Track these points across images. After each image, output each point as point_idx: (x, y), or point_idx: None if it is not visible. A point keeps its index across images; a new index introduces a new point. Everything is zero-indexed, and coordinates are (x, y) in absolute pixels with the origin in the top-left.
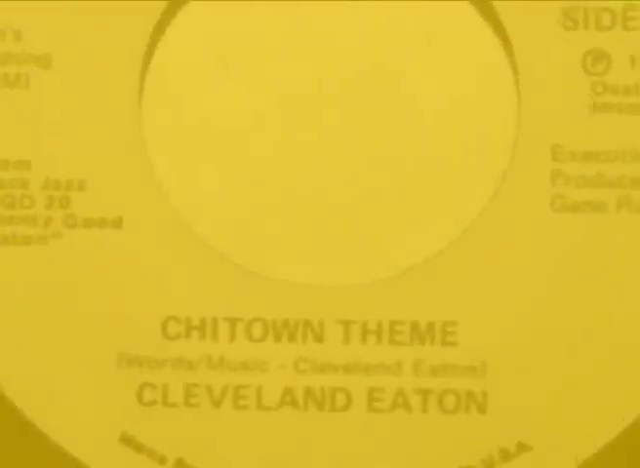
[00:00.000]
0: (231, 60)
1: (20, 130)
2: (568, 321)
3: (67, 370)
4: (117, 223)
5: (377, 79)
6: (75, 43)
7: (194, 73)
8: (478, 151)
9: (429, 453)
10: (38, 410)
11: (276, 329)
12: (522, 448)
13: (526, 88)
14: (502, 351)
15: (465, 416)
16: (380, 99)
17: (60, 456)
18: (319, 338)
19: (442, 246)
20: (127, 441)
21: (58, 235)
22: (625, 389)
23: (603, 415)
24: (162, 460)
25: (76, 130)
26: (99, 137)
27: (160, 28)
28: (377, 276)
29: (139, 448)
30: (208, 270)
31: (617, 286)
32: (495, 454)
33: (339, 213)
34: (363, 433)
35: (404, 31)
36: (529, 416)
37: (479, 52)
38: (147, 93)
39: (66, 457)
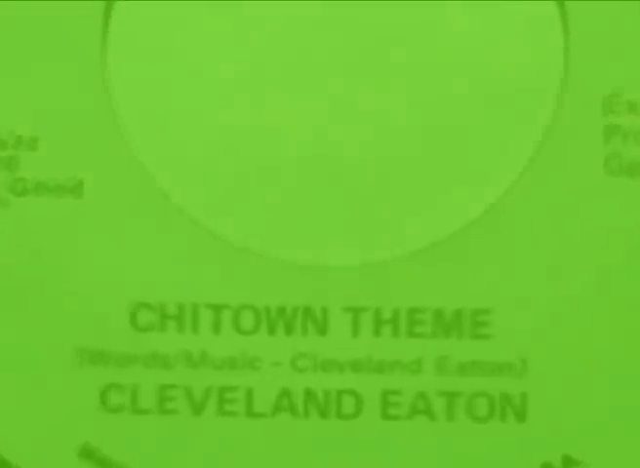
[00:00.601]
0: None
1: None
2: (624, 308)
3: (15, 369)
4: (77, 190)
5: (400, 21)
6: None
7: (172, 10)
8: (515, 102)
9: None
10: None
11: (270, 318)
12: (569, 462)
13: (574, 25)
14: (545, 345)
15: (500, 425)
16: (405, 46)
17: None
18: (322, 330)
19: (472, 217)
20: (88, 454)
21: (4, 204)
22: None
23: None
24: None
25: (26, 76)
26: (54, 86)
27: None
28: (392, 254)
29: (103, 462)
30: (187, 246)
31: None
32: None
33: (346, 178)
34: (376, 444)
35: None
36: (578, 425)
37: None
38: (114, 31)
39: None
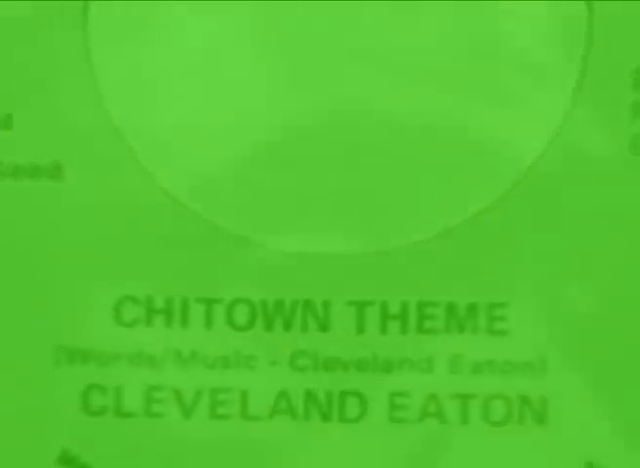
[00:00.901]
0: None
1: None
2: None
3: None
4: (56, 172)
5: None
6: None
7: None
8: (536, 77)
9: None
10: None
11: (267, 312)
12: None
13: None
14: (567, 343)
15: (519, 429)
16: (418, 15)
17: None
18: (324, 325)
19: (488, 201)
20: (68, 461)
21: None
22: None
23: None
24: None
25: None
26: (29, 56)
27: None
28: (401, 241)
29: None
30: (176, 234)
31: None
32: None
33: (349, 157)
34: (382, 450)
35: None
36: (602, 430)
37: None
38: (94, 5)
39: None
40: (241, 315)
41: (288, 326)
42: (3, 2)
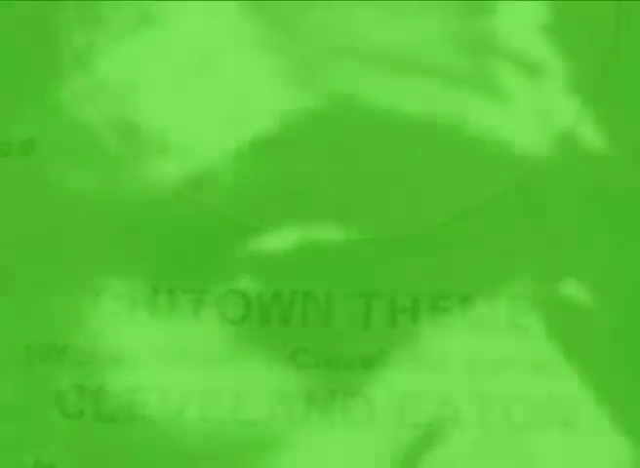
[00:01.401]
0: None
1: None
2: None
3: None
4: (27, 148)
5: None
6: None
7: None
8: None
9: None
10: None
11: (263, 305)
12: None
13: None
14: (597, 338)
15: (544, 435)
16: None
17: None
18: (326, 320)
19: (503, 185)
20: None
21: None
22: None
23: None
24: None
25: None
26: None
27: None
28: (411, 227)
29: None
30: (160, 217)
31: None
32: None
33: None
34: (391, 457)
35: None
36: (637, 434)
37: None
38: None
39: None
40: (234, 307)
41: (286, 319)
42: None
